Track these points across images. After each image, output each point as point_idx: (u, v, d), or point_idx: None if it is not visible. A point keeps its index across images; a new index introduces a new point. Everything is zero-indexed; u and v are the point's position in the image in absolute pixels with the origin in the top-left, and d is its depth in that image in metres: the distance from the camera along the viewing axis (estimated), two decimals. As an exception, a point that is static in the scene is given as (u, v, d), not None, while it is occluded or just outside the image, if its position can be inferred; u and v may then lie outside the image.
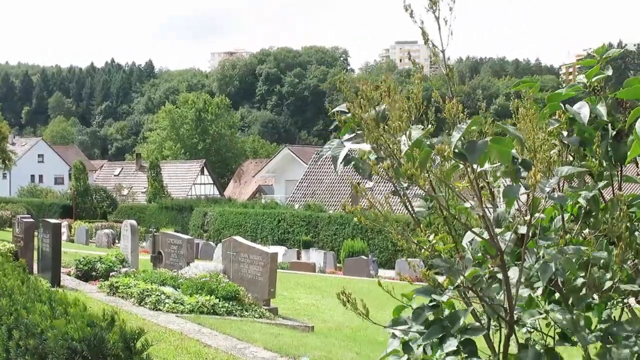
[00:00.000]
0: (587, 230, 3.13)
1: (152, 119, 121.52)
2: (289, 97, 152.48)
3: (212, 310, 12.38)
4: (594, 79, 3.24)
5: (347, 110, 3.08)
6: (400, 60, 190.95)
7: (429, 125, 2.83)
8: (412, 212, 3.02)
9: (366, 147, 2.93)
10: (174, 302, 12.39)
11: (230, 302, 12.95)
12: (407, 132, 2.75)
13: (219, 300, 12.79)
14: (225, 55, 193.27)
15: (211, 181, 74.66)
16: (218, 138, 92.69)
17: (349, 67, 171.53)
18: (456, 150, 2.64)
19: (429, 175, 2.79)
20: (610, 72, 3.24)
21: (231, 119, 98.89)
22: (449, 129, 2.70)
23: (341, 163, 3.03)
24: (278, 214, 42.80)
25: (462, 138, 2.64)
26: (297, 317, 14.84)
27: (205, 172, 74.52)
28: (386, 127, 2.79)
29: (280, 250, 31.67)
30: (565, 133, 3.17)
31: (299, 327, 13.18)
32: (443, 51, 2.79)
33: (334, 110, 3.15)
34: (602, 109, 3.10)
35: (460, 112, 2.72)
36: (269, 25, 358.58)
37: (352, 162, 3.05)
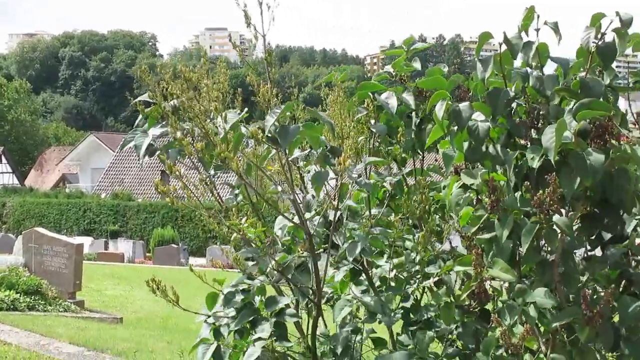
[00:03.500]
0: (392, 215, 3.27)
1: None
2: (94, 82, 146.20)
3: (12, 306, 11.79)
4: (403, 71, 3.38)
5: (150, 100, 3.03)
6: (210, 47, 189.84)
7: (241, 111, 2.83)
8: (218, 199, 3.02)
9: (178, 134, 2.88)
10: (-31, 300, 11.65)
11: (33, 297, 12.42)
12: (223, 115, 2.74)
13: (20, 295, 12.22)
14: (24, 37, 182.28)
15: (10, 170, 70.32)
16: (17, 124, 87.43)
17: (157, 53, 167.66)
18: (269, 135, 2.66)
19: (240, 160, 2.79)
20: (419, 66, 3.39)
21: (32, 104, 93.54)
22: (262, 115, 2.72)
23: (145, 153, 2.98)
24: (84, 204, 41.28)
25: (276, 123, 2.66)
26: (105, 309, 14.45)
27: (4, 160, 70.07)
28: (201, 108, 2.76)
29: (86, 240, 30.56)
30: (373, 121, 3.29)
31: (107, 319, 12.83)
32: (264, 36, 2.81)
33: (136, 100, 3.10)
34: (409, 97, 3.23)
35: (274, 97, 2.75)
36: (72, 7, 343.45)
37: (157, 153, 3.00)
